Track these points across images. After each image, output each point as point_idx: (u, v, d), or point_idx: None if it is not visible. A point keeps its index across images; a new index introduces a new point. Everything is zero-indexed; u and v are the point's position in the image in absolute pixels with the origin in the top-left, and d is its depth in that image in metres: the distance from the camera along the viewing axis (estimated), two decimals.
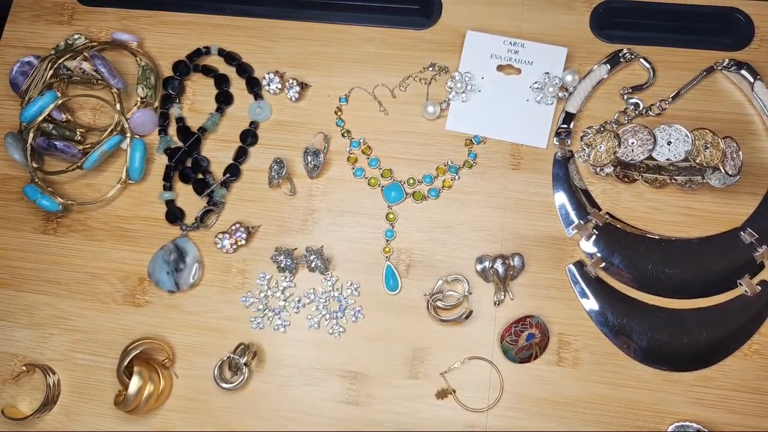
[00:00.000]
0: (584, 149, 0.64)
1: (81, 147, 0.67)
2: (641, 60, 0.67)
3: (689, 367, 0.59)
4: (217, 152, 0.68)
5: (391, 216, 0.64)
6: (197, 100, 0.70)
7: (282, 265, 0.62)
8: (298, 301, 0.63)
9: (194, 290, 0.64)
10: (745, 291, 0.59)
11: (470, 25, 0.69)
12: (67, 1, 0.75)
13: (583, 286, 0.61)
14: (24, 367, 0.61)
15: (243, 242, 0.64)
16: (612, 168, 0.63)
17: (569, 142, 0.65)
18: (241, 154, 0.67)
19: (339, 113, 0.68)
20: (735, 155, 0.59)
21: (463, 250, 0.63)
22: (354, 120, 0.68)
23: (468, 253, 0.63)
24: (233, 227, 0.64)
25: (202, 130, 0.68)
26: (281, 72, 0.69)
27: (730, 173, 0.59)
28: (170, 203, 0.66)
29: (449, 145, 0.66)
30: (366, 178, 0.66)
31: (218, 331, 0.62)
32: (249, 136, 0.68)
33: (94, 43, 0.71)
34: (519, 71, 0.68)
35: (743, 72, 0.64)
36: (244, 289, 0.63)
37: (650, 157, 0.59)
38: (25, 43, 0.73)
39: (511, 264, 0.61)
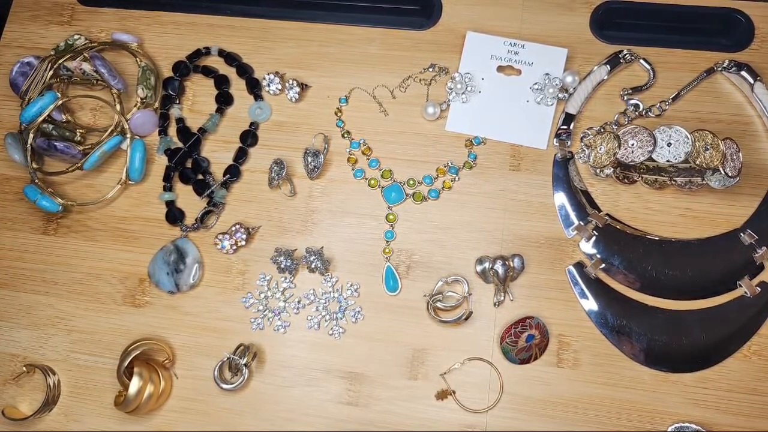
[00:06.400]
0: (584, 150, 0.64)
1: (81, 148, 0.67)
2: (641, 61, 0.67)
3: (689, 368, 0.59)
4: (217, 153, 0.68)
5: (391, 217, 0.64)
6: (197, 100, 0.70)
7: (282, 266, 0.62)
8: (298, 302, 0.63)
9: (194, 291, 0.64)
10: (745, 292, 0.60)
11: (470, 26, 0.69)
12: (67, 2, 0.75)
13: (583, 287, 0.61)
14: (24, 368, 0.61)
15: (243, 243, 0.64)
16: (612, 169, 0.63)
17: (569, 143, 0.65)
18: (241, 155, 0.67)
19: (339, 114, 0.68)
20: (735, 157, 0.59)
21: (463, 251, 0.63)
22: (354, 121, 0.68)
23: (468, 254, 0.63)
24: (233, 228, 0.64)
25: (202, 130, 0.68)
26: (281, 73, 0.69)
27: (730, 174, 0.59)
28: (170, 204, 0.66)
29: (449, 146, 0.66)
30: (366, 179, 0.66)
31: (218, 332, 0.62)
32: (249, 137, 0.68)
33: (94, 44, 0.71)
34: (519, 72, 0.68)
35: (743, 73, 0.64)
36: (244, 290, 0.63)
37: (650, 159, 0.59)
38: (25, 44, 0.73)
39: (511, 265, 0.61)
